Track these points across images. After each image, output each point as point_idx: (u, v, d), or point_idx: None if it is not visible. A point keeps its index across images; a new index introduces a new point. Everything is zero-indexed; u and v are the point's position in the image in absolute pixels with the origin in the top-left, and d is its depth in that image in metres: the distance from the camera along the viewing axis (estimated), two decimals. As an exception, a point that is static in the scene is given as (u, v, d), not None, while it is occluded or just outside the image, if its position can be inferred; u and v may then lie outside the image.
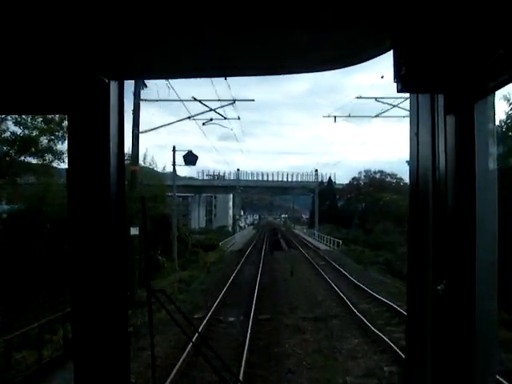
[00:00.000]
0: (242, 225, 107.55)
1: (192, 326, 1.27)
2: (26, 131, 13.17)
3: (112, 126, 1.05)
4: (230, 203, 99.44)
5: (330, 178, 70.95)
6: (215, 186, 76.13)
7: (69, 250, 1.08)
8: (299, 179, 73.52)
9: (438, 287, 1.02)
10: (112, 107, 1.06)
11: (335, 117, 26.66)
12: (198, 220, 79.69)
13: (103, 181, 1.04)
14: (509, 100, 12.28)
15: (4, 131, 13.20)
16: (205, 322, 9.62)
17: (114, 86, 1.08)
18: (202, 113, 18.66)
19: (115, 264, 1.05)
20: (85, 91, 1.04)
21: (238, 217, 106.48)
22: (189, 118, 19.03)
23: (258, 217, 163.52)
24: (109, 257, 1.04)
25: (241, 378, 6.25)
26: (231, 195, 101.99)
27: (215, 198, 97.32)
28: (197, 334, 3.58)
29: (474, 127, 1.00)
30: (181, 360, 7.17)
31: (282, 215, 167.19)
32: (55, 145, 13.43)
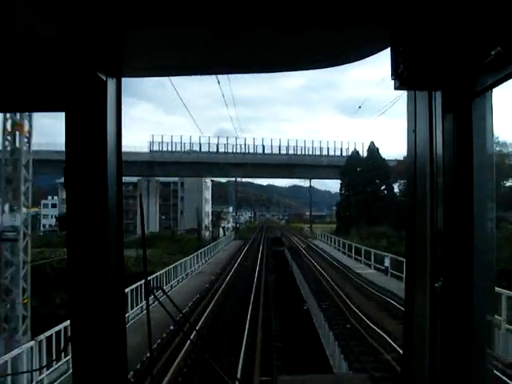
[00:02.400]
0: (229, 226, 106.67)
1: (190, 324, 1.93)
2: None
3: (109, 124, 1.68)
4: (207, 194, 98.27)
5: (372, 144, 60.07)
6: (175, 163, 69.23)
7: (67, 247, 1.72)
8: (316, 152, 70.67)
9: (436, 285, 1.63)
10: (109, 104, 1.69)
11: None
12: (146, 220, 76.65)
13: (101, 178, 1.67)
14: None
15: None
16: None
17: (111, 83, 1.71)
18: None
19: (112, 262, 1.69)
20: (82, 88, 1.67)
21: (223, 215, 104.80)
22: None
23: (252, 214, 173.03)
24: (106, 254, 1.68)
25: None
26: (208, 182, 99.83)
27: (182, 185, 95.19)
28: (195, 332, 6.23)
29: (472, 124, 1.56)
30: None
31: (286, 212, 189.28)
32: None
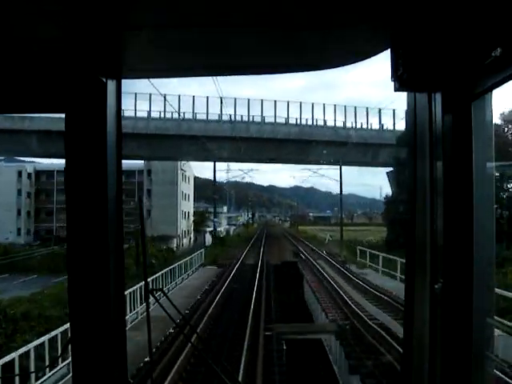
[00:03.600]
0: (222, 229, 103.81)
1: (190, 325, 2.69)
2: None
3: (109, 125, 2.40)
4: (186, 187, 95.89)
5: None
6: (125, 136, 62.84)
7: (67, 248, 2.44)
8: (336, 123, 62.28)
9: (436, 286, 2.31)
10: (109, 106, 2.41)
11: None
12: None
13: (101, 179, 2.39)
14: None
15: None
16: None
17: (111, 84, 2.43)
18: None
19: (112, 263, 2.42)
20: (82, 90, 2.38)
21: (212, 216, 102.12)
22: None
23: (251, 215, 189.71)
24: (106, 256, 2.40)
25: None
26: (188, 170, 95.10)
27: (149, 174, 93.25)
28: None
29: (472, 126, 2.22)
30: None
31: (288, 213, 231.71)
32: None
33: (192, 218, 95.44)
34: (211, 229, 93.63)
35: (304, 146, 63.95)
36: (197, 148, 62.91)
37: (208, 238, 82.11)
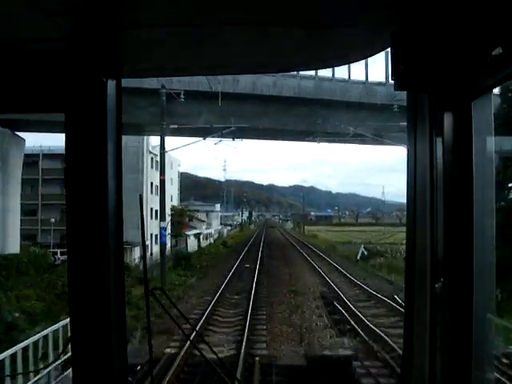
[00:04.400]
0: (212, 231, 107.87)
1: (189, 323, 3.49)
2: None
3: (109, 125, 3.11)
4: (157, 176, 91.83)
5: None
6: None
7: (67, 248, 3.14)
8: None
9: (436, 285, 2.97)
10: (109, 106, 3.12)
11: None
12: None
13: (101, 179, 3.09)
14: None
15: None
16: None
17: (111, 84, 3.15)
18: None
19: (113, 263, 3.14)
20: (82, 90, 3.08)
21: (199, 215, 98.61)
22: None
23: (245, 213, 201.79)
24: (106, 255, 3.12)
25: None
26: (169, 156, 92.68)
27: None
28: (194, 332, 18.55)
29: (472, 125, 2.87)
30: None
31: (288, 213, 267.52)
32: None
33: (168, 219, 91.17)
34: (198, 231, 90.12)
35: (320, 111, 57.14)
36: (156, 110, 52.63)
37: (192, 244, 79.00)
